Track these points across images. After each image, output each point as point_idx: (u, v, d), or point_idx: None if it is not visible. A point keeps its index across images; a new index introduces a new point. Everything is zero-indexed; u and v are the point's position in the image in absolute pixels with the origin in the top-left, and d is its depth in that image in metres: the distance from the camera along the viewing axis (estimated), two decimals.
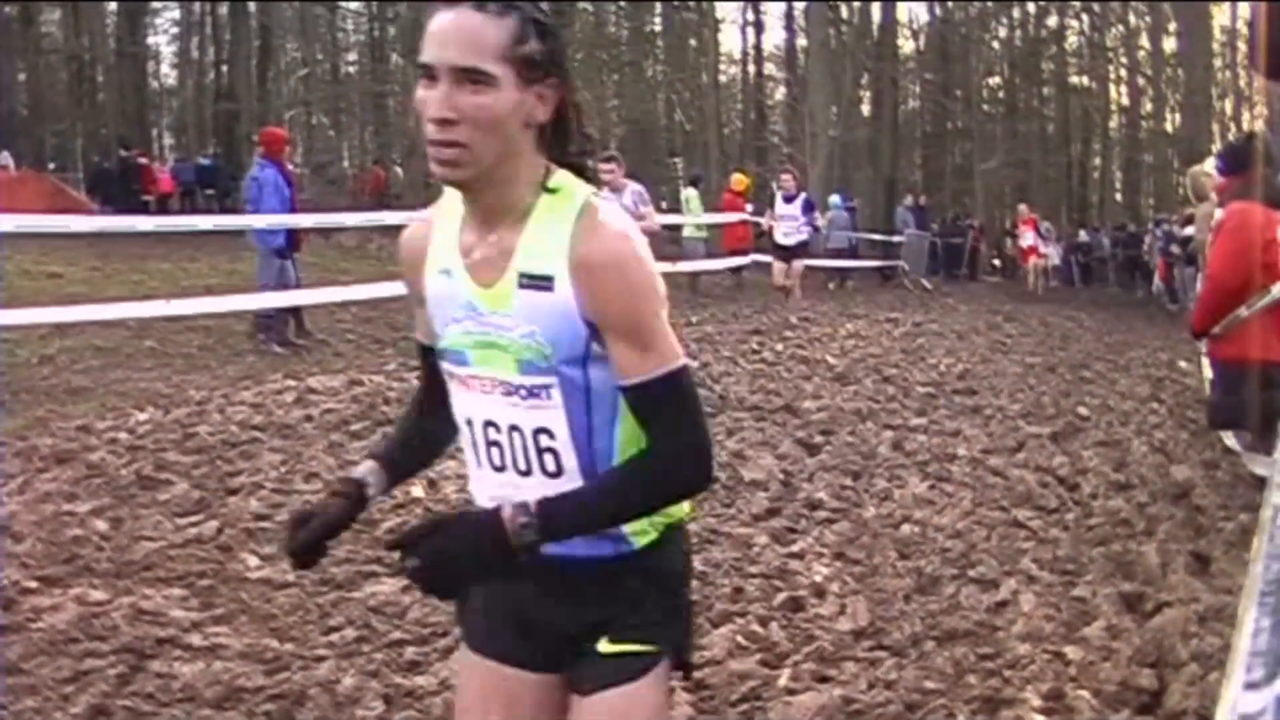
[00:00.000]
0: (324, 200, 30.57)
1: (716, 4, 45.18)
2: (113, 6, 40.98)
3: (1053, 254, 39.60)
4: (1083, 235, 40.37)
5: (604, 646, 2.22)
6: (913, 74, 46.85)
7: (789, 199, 19.18)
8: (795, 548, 6.10)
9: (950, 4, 45.51)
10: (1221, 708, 1.07)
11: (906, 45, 46.92)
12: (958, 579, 5.63)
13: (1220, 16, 42.63)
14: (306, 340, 13.49)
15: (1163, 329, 20.36)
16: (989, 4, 45.77)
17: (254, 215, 13.10)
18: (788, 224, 19.01)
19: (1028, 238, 32.82)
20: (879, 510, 6.94)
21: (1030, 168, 44.95)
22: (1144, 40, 46.21)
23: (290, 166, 14.21)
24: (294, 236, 13.43)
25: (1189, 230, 18.57)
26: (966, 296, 26.43)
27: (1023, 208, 35.09)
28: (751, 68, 47.92)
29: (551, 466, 2.15)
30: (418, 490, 6.88)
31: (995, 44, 47.39)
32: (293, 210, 13.26)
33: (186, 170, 33.56)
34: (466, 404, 2.21)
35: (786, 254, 19.29)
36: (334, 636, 4.72)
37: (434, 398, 2.34)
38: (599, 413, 2.14)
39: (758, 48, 47.65)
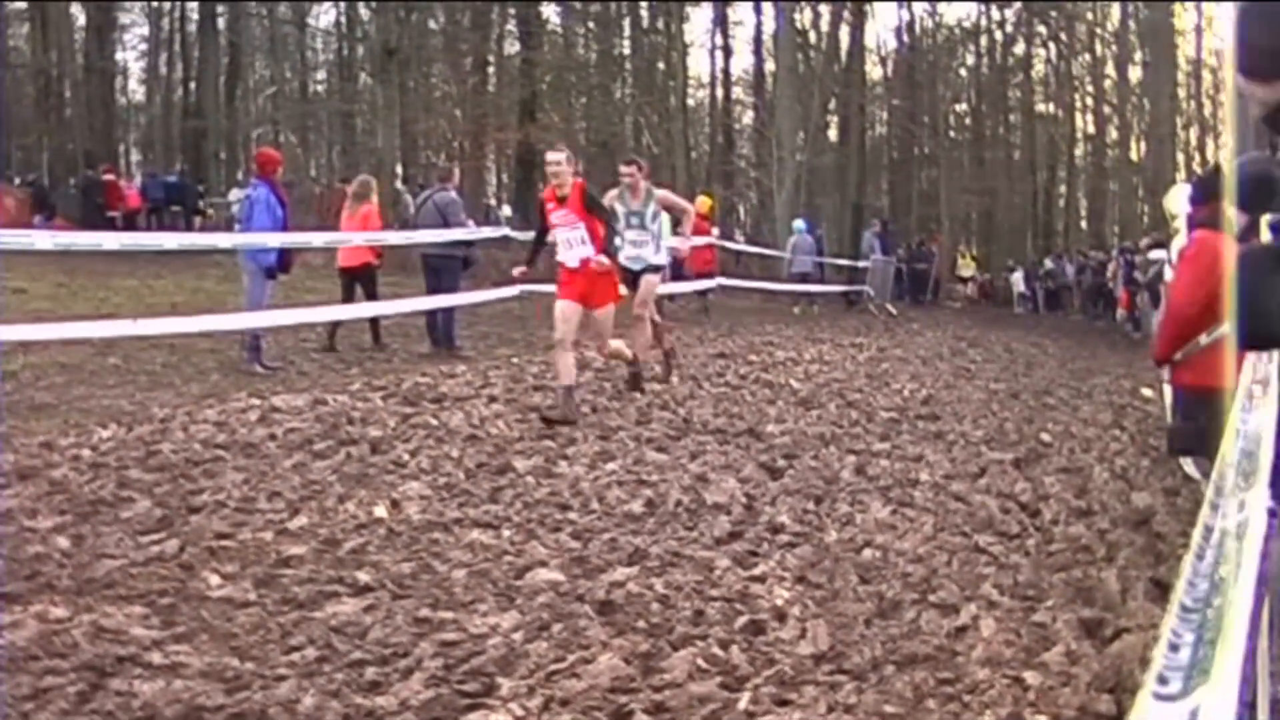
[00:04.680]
0: (291, 219, 30.52)
1: (685, 27, 45.29)
2: (81, 21, 40.81)
3: (1016, 280, 39.82)
4: (1048, 263, 40.66)
5: None
6: (880, 100, 47.06)
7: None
8: (757, 571, 6.10)
9: (919, 31, 45.83)
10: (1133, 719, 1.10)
11: (874, 71, 47.12)
12: (918, 604, 5.64)
13: (1186, 48, 43.10)
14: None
15: (1125, 356, 20.54)
16: (956, 32, 46.16)
17: (244, 234, 13.11)
18: None
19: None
20: (841, 534, 6.95)
21: (996, 195, 45.23)
22: (1110, 70, 46.52)
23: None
24: (285, 257, 13.26)
25: (1152, 255, 18.71)
26: (931, 322, 26.59)
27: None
28: (719, 91, 47.92)
29: None
30: (380, 510, 6.88)
31: (962, 71, 47.74)
32: (284, 230, 13.19)
33: (154, 187, 33.42)
34: None
35: None
36: (295, 656, 4.70)
37: None
38: None
39: (726, 72, 47.69)
